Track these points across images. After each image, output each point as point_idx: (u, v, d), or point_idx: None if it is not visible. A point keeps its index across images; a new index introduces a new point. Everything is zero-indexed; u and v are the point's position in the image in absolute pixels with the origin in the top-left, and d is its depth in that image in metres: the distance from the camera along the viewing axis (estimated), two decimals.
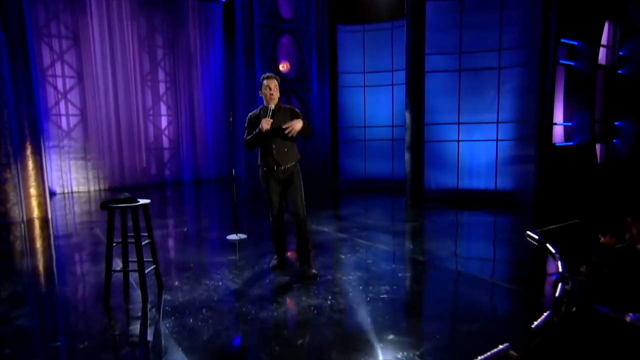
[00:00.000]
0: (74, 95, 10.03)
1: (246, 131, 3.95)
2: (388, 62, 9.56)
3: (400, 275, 4.06)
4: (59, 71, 9.79)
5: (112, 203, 3.33)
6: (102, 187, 10.39)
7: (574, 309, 3.19)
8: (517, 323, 3.06)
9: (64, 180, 9.99)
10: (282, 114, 3.82)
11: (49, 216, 6.92)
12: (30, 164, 6.73)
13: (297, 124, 3.68)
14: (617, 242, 3.79)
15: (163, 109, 11.40)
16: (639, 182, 8.09)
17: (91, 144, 10.22)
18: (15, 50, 6.45)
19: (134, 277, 3.77)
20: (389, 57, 9.51)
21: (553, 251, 4.43)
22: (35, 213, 6.81)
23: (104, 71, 10.14)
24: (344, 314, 3.15)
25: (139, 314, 3.24)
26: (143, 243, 3.44)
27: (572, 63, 7.91)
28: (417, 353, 2.57)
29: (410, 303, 3.59)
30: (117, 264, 3.96)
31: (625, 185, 8.17)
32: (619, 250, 3.64)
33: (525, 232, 5.38)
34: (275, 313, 3.18)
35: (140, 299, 3.41)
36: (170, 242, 5.49)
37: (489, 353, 2.50)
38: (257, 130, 3.77)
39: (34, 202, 6.78)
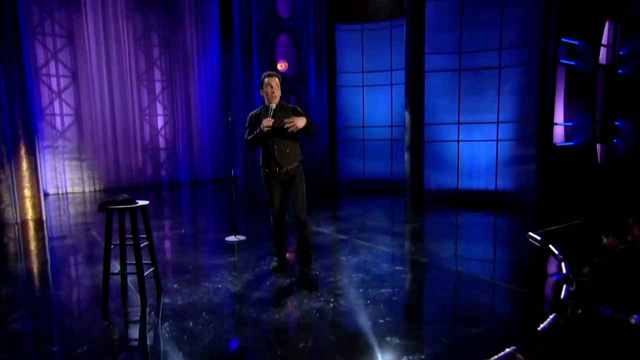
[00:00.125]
0: (68, 95, 9.92)
1: (247, 131, 3.84)
2: (387, 61, 9.53)
3: (402, 277, 4.02)
4: (53, 70, 9.69)
5: (110, 204, 3.26)
6: (97, 188, 10.29)
7: (579, 311, 3.15)
8: (522, 325, 3.03)
9: (59, 181, 9.88)
10: (284, 113, 3.72)
11: (44, 217, 6.84)
12: (25, 165, 6.65)
13: (300, 121, 3.55)
14: (619, 243, 3.75)
15: (159, 109, 11.31)
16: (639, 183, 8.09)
17: (86, 144, 10.12)
18: (9, 50, 6.38)
19: (131, 280, 3.70)
20: (388, 56, 9.48)
21: (556, 252, 4.39)
22: (30, 214, 6.73)
23: (99, 70, 10.04)
24: (347, 316, 3.10)
25: (138, 317, 3.18)
26: (141, 245, 3.37)
27: (572, 63, 7.90)
28: (422, 357, 2.53)
29: (413, 305, 3.55)
30: (115, 267, 3.89)
31: (626, 185, 8.17)
32: (622, 252, 3.60)
33: (526, 232, 5.35)
34: (277, 316, 3.12)
35: (138, 302, 3.35)
36: (168, 244, 5.41)
37: (495, 357, 2.47)
38: (258, 131, 3.68)
39: (28, 203, 6.70)
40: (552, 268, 4.21)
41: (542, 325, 2.83)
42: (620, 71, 8.73)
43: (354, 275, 3.96)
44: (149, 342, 2.84)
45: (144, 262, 3.36)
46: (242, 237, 5.41)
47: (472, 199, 7.62)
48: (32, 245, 5.51)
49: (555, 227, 5.63)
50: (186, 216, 7.50)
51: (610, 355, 2.76)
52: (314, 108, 9.37)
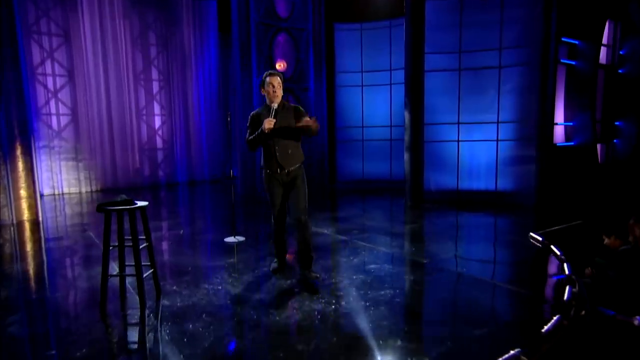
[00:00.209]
0: (64, 94, 9.83)
1: (248, 131, 3.77)
2: (386, 61, 9.50)
3: (403, 278, 4.00)
4: (49, 69, 9.60)
5: (109, 205, 3.21)
6: (93, 188, 10.20)
7: (583, 312, 3.13)
8: (525, 326, 3.02)
9: (55, 182, 9.79)
10: (286, 112, 3.66)
11: (40, 218, 6.77)
12: (20, 165, 6.59)
13: (313, 124, 3.51)
14: (621, 244, 3.74)
15: (156, 109, 11.23)
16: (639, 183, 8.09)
17: (82, 144, 10.03)
18: (4, 49, 6.32)
19: (130, 282, 3.65)
20: (387, 56, 9.46)
21: (558, 253, 4.37)
22: (26, 215, 6.67)
23: (95, 69, 9.95)
24: (349, 318, 3.07)
25: (137, 319, 3.14)
26: (140, 247, 3.32)
27: (573, 62, 7.89)
28: (426, 359, 2.50)
29: (416, 307, 3.53)
30: (113, 268, 3.84)
31: (626, 185, 8.17)
32: (624, 252, 3.59)
33: (527, 233, 5.33)
34: (278, 318, 3.09)
35: (137, 304, 3.30)
36: (167, 245, 5.35)
37: (500, 359, 2.44)
38: (259, 131, 3.60)
39: (24, 204, 6.64)
40: (554, 269, 4.19)
41: (546, 327, 2.81)
42: (620, 71, 8.73)
43: (354, 277, 3.93)
44: (148, 345, 2.80)
45: (142, 263, 3.31)
46: (241, 238, 5.36)
47: (472, 199, 7.59)
48: (29, 247, 5.45)
49: (556, 228, 5.61)
50: (184, 217, 7.44)
51: (613, 356, 2.74)
52: (313, 108, 9.33)
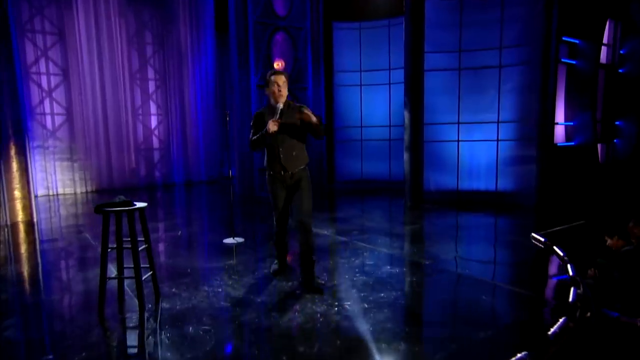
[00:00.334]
0: (59, 94, 9.72)
1: (251, 131, 3.65)
2: (385, 60, 9.47)
3: (405, 279, 3.95)
4: (43, 68, 9.49)
5: (107, 206, 3.13)
6: (89, 189, 10.10)
7: (588, 314, 3.10)
8: (529, 328, 2.98)
9: (49, 182, 9.68)
10: (291, 112, 3.51)
11: (34, 220, 6.68)
12: (15, 165, 6.51)
13: (313, 117, 3.34)
14: (624, 245, 3.71)
15: (153, 108, 11.14)
16: None
17: (77, 144, 9.92)
18: None
19: (128, 284, 3.58)
20: (386, 55, 9.42)
21: (561, 254, 4.33)
22: (20, 216, 6.59)
23: (90, 68, 9.84)
24: (351, 321, 3.02)
25: (136, 323, 3.07)
26: (139, 248, 3.25)
27: (573, 62, 7.87)
28: None
29: (419, 309, 3.49)
30: (111, 271, 3.77)
31: (627, 185, 8.17)
32: (627, 253, 3.56)
33: (528, 233, 5.30)
34: (280, 321, 3.03)
35: (136, 307, 3.23)
36: (165, 247, 5.27)
37: None
38: (263, 132, 3.46)
39: (18, 205, 6.56)
40: (556, 270, 4.16)
41: (552, 329, 2.77)
42: (620, 70, 8.74)
43: (355, 278, 3.88)
44: (148, 349, 2.74)
45: (141, 266, 3.24)
46: (240, 239, 5.30)
47: (472, 199, 7.56)
48: (24, 249, 5.36)
49: (557, 228, 5.58)
50: (182, 218, 7.36)
51: (619, 358, 2.70)
52: (311, 107, 9.25)
